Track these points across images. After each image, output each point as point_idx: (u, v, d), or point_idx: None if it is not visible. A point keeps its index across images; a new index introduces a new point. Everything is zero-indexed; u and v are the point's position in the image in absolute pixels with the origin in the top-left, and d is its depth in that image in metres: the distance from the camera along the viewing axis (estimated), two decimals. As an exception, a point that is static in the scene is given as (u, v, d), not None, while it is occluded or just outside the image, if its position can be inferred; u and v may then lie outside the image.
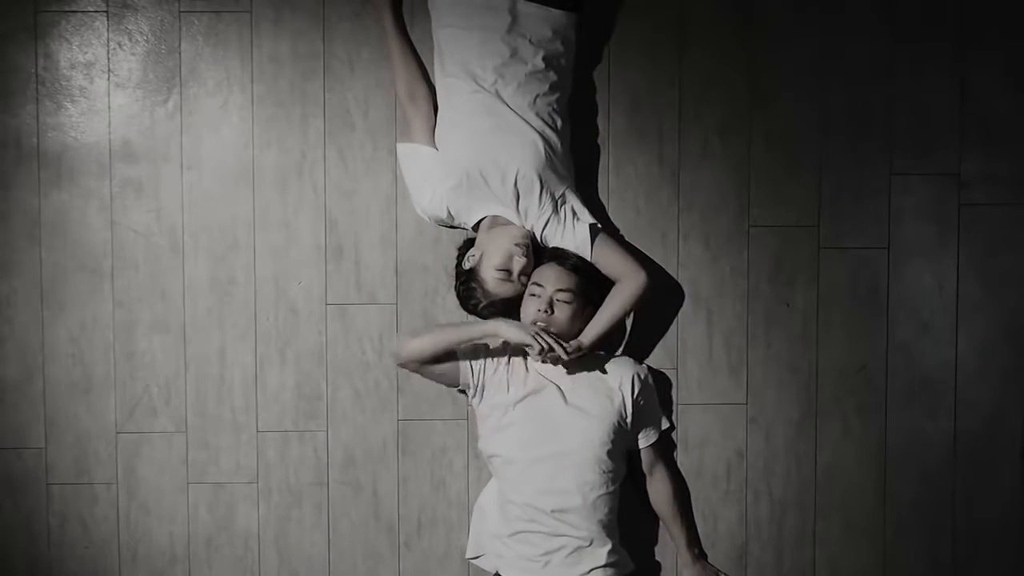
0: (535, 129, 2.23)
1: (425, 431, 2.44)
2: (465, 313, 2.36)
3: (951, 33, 2.44)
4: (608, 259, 2.29)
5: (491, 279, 2.25)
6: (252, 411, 2.44)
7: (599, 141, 2.42)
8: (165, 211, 2.42)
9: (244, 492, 2.45)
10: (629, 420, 2.27)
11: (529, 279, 2.27)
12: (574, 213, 2.30)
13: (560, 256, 2.27)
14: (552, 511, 2.19)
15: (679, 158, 2.43)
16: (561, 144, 2.28)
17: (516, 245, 2.24)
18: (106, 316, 2.42)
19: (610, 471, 2.22)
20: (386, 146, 2.41)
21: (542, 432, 2.21)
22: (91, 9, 2.40)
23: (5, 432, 2.42)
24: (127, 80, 2.41)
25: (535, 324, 2.22)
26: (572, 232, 2.29)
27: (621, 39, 2.42)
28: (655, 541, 2.45)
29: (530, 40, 2.24)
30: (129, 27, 2.41)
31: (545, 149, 2.24)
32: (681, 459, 2.46)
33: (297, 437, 2.45)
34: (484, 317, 2.33)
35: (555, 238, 2.29)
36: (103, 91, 2.41)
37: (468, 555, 2.38)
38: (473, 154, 2.24)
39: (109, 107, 2.41)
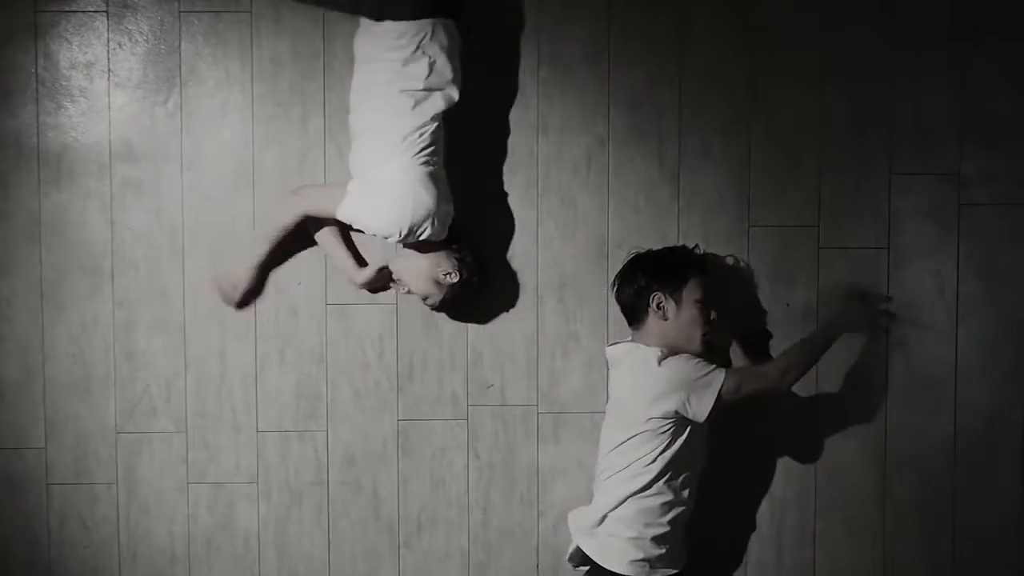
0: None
1: (425, 431, 2.44)
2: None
3: (951, 33, 2.44)
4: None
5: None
6: (252, 411, 2.44)
7: (600, 142, 2.42)
8: (165, 211, 2.42)
9: (244, 492, 2.45)
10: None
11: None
12: None
13: None
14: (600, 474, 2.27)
15: (679, 158, 2.43)
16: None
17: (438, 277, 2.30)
18: (106, 316, 2.42)
19: (628, 463, 2.19)
20: (386, 146, 2.41)
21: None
22: (91, 9, 2.40)
23: (5, 432, 2.42)
24: (127, 80, 2.41)
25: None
26: None
27: (621, 38, 2.42)
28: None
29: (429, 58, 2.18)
30: (129, 27, 2.40)
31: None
32: (681, 459, 2.46)
33: (297, 437, 2.44)
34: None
35: None
36: (103, 91, 2.41)
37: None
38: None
39: (109, 107, 2.41)
